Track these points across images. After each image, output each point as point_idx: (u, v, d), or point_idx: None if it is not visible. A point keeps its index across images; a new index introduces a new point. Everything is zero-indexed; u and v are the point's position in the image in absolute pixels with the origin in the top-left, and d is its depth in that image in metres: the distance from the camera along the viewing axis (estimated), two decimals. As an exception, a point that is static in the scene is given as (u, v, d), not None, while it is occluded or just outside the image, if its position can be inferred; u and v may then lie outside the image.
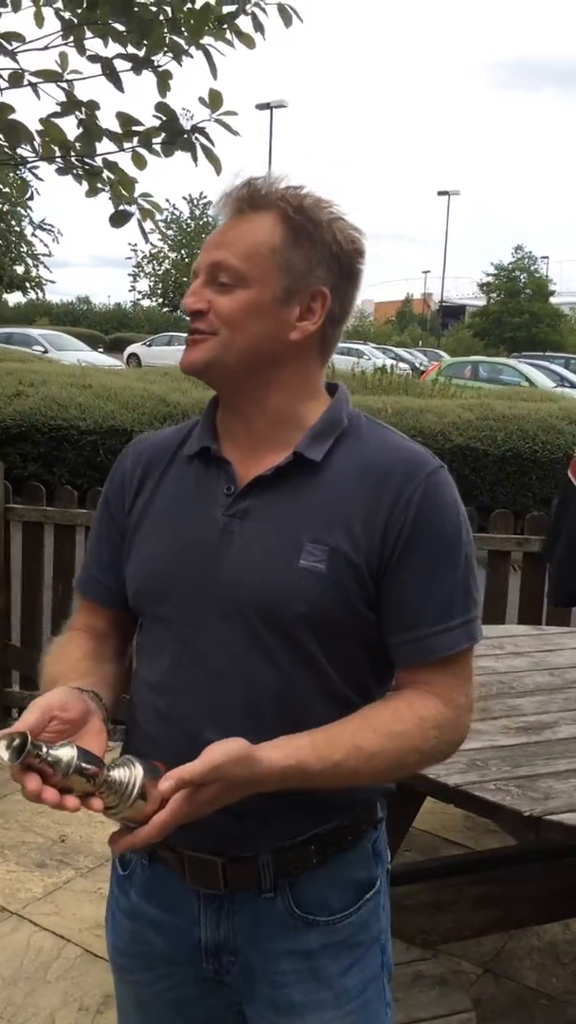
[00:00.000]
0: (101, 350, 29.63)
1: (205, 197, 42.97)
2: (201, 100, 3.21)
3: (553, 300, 44.84)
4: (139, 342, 33.83)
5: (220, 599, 1.13)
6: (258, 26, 3.52)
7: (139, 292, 48.13)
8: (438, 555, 1.13)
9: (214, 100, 3.18)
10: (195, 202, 42.94)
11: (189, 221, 42.95)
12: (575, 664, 2.70)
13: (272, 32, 3.61)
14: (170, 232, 44.24)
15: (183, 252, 44.42)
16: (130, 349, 32.38)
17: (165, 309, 47.43)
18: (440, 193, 46.86)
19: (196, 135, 3.27)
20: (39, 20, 3.38)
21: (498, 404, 9.46)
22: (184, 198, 41.47)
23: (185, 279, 44.13)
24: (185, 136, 3.26)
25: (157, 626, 1.20)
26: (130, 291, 60.14)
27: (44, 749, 0.96)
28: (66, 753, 0.96)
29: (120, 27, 3.27)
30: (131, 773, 1.00)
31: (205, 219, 43.71)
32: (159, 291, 46.16)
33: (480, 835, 3.29)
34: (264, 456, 1.17)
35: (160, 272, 45.63)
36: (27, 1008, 2.39)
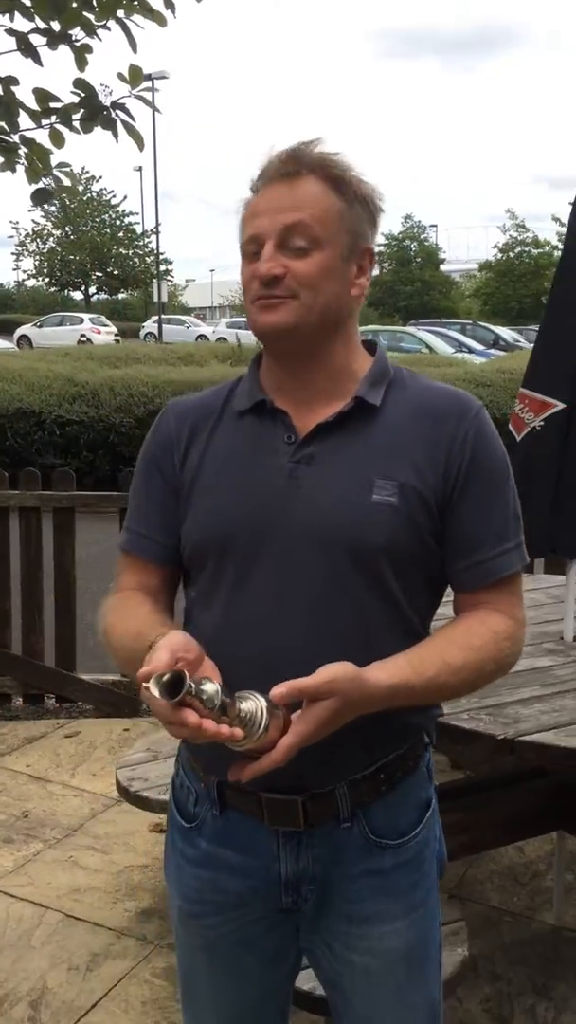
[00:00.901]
0: (-10, 332, 28.75)
1: (88, 172, 42.03)
2: (120, 76, 3.19)
3: (443, 268, 45.70)
4: (28, 323, 33.01)
5: (297, 538, 1.19)
6: (168, 3, 3.52)
7: (24, 272, 46.83)
8: (492, 487, 1.23)
9: (134, 76, 3.17)
10: (79, 177, 41.91)
11: (73, 197, 41.87)
12: (529, 605, 2.86)
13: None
14: (53, 209, 43.05)
15: (67, 229, 43.37)
16: (20, 331, 31.55)
17: (53, 288, 46.30)
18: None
19: (117, 111, 3.26)
20: None
21: (405, 370, 9.67)
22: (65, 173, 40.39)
23: (73, 257, 43.14)
24: (105, 112, 3.25)
25: (229, 571, 1.23)
26: (14, 270, 58.49)
27: (195, 685, 0.99)
28: (211, 687, 1.00)
29: (27, 2, 3.23)
30: (257, 705, 1.04)
31: (89, 195, 42.76)
32: (45, 270, 44.99)
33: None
34: (320, 406, 1.23)
35: (45, 250, 44.45)
36: (17, 973, 2.43)
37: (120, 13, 3.29)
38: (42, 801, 3.33)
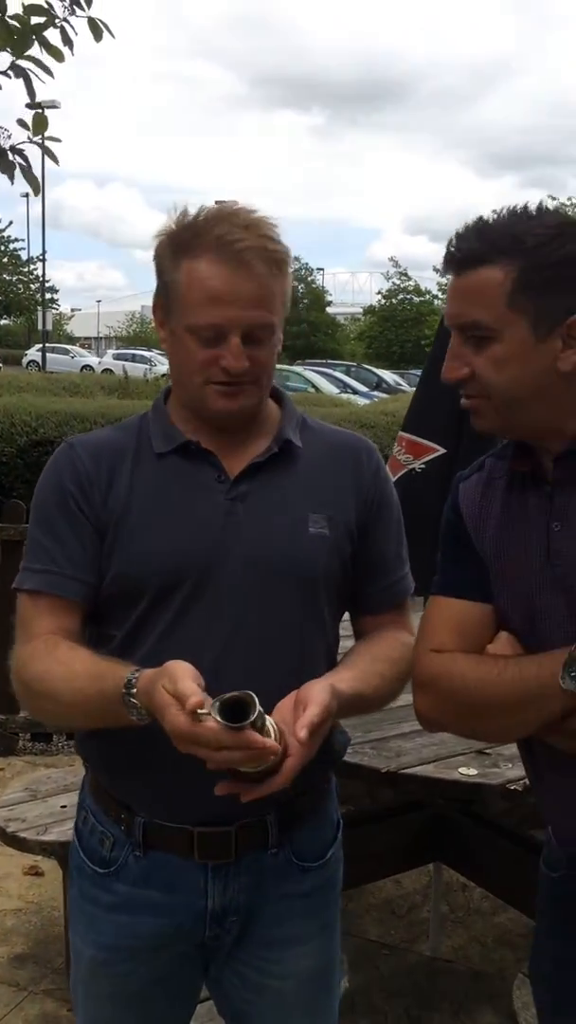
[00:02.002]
0: None
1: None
2: (21, 122, 3.18)
3: (329, 310, 46.78)
4: None
5: (241, 572, 1.24)
6: (66, 40, 3.55)
7: None
8: (395, 516, 1.38)
9: (38, 125, 3.16)
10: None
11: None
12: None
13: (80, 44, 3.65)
14: None
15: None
16: None
17: None
18: (218, 202, 47.56)
19: (15, 155, 3.24)
20: None
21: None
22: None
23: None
24: (4, 156, 3.22)
25: (167, 607, 1.24)
26: None
27: (260, 711, 1.02)
28: (260, 708, 1.03)
29: None
30: (273, 725, 1.08)
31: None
32: None
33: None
34: (242, 447, 1.29)
35: None
36: None
37: (23, 63, 3.30)
38: None
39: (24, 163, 3.24)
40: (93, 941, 1.32)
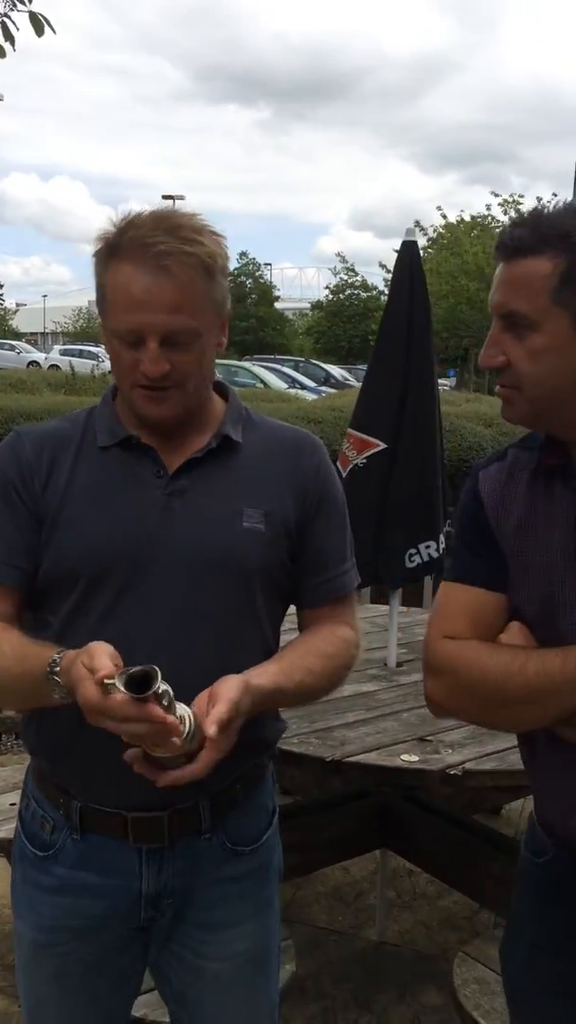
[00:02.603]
0: None
1: None
2: None
3: (277, 305, 46.74)
4: None
5: (174, 565, 1.27)
6: (8, 36, 3.53)
7: None
8: (337, 512, 1.40)
9: None
10: None
11: None
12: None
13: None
14: None
15: None
16: None
17: None
18: (165, 197, 47.26)
19: None
20: None
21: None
22: None
23: None
24: None
25: (100, 596, 1.27)
26: None
27: (162, 685, 1.04)
28: (167, 685, 1.06)
29: None
30: (186, 710, 1.10)
31: None
32: None
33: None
34: (182, 443, 1.32)
35: None
36: None
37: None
38: None
39: None
40: (34, 923, 1.36)
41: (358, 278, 40.78)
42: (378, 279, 38.55)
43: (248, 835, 1.39)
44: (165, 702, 1.06)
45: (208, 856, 1.35)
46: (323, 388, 20.21)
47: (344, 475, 2.70)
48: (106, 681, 1.05)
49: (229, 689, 1.15)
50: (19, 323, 54.49)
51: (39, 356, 32.75)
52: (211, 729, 1.10)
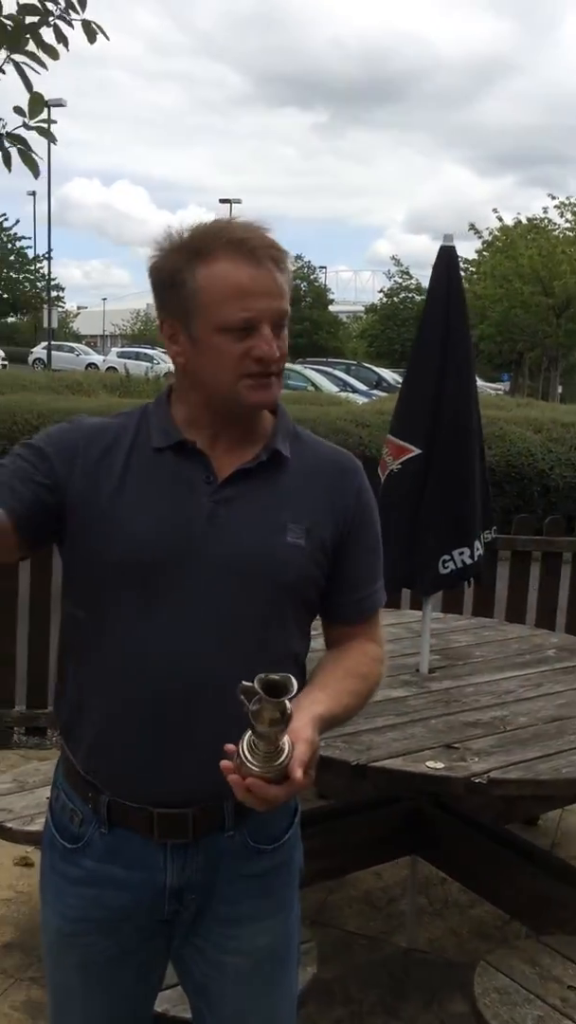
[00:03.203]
0: None
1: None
2: (17, 109, 3.25)
3: (331, 308, 46.76)
4: None
5: (214, 572, 1.29)
6: (60, 37, 3.61)
7: None
8: (372, 533, 1.43)
9: (34, 107, 3.22)
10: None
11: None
12: (390, 639, 3.01)
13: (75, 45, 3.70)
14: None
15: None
16: None
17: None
18: (223, 201, 47.60)
19: (13, 142, 3.30)
20: None
21: (290, 408, 9.79)
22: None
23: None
24: (1, 142, 3.29)
25: (136, 596, 1.30)
26: None
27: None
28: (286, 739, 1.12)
29: None
30: (287, 741, 1.13)
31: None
32: None
33: (297, 806, 3.55)
34: (233, 452, 1.34)
35: None
36: None
37: (17, 57, 3.36)
38: None
39: (24, 147, 3.30)
40: (60, 913, 1.40)
41: (412, 281, 40.57)
42: (434, 282, 38.11)
43: (270, 834, 1.41)
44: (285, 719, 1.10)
45: (231, 853, 1.38)
46: (374, 392, 20.19)
47: (381, 480, 2.71)
48: (244, 683, 1.09)
49: (304, 728, 1.18)
50: (80, 325, 55.34)
51: (97, 358, 33.29)
52: (297, 773, 1.13)
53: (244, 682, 1.09)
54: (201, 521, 1.30)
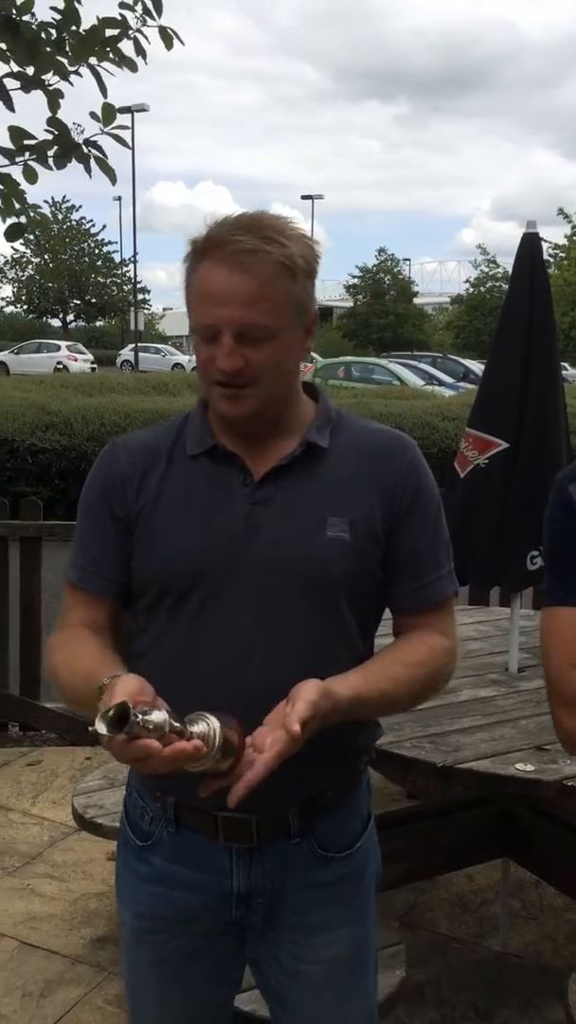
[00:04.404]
0: (-34, 359, 28.78)
1: (68, 201, 42.35)
2: (93, 115, 3.31)
3: (416, 301, 46.28)
4: (5, 350, 33.05)
5: (259, 574, 1.27)
6: (139, 50, 3.64)
7: (2, 299, 46.91)
8: (430, 516, 1.35)
9: (107, 114, 3.29)
10: (58, 206, 42.17)
11: (53, 226, 42.11)
12: (467, 637, 2.97)
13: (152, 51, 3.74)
14: (32, 237, 43.23)
15: (46, 257, 43.56)
16: (-3, 357, 31.60)
17: (31, 315, 46.39)
18: (304, 197, 47.63)
19: (90, 148, 3.37)
20: None
21: (375, 403, 9.85)
22: (46, 201, 40.48)
23: (51, 284, 43.34)
24: (79, 148, 3.36)
25: (189, 605, 1.29)
26: (-8, 297, 58.39)
27: (140, 716, 1.03)
28: (159, 715, 1.05)
29: (3, 45, 3.34)
30: (210, 727, 1.09)
31: (69, 223, 43.03)
32: (24, 297, 45.09)
33: (385, 804, 3.51)
34: (268, 449, 1.31)
35: (24, 278, 44.59)
36: (-30, 1001, 2.46)
37: (93, 60, 3.42)
38: (2, 829, 3.36)
39: (100, 155, 3.36)
40: (133, 910, 1.41)
41: (500, 270, 39.82)
42: (521, 270, 37.35)
43: (340, 842, 1.38)
44: (160, 732, 1.03)
45: (298, 860, 1.35)
46: (461, 384, 19.89)
47: (462, 476, 2.66)
48: (89, 728, 1.03)
49: (308, 691, 1.15)
50: (165, 327, 56.13)
51: (183, 358, 33.71)
52: (294, 727, 1.10)
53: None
54: (240, 526, 1.28)
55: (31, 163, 3.48)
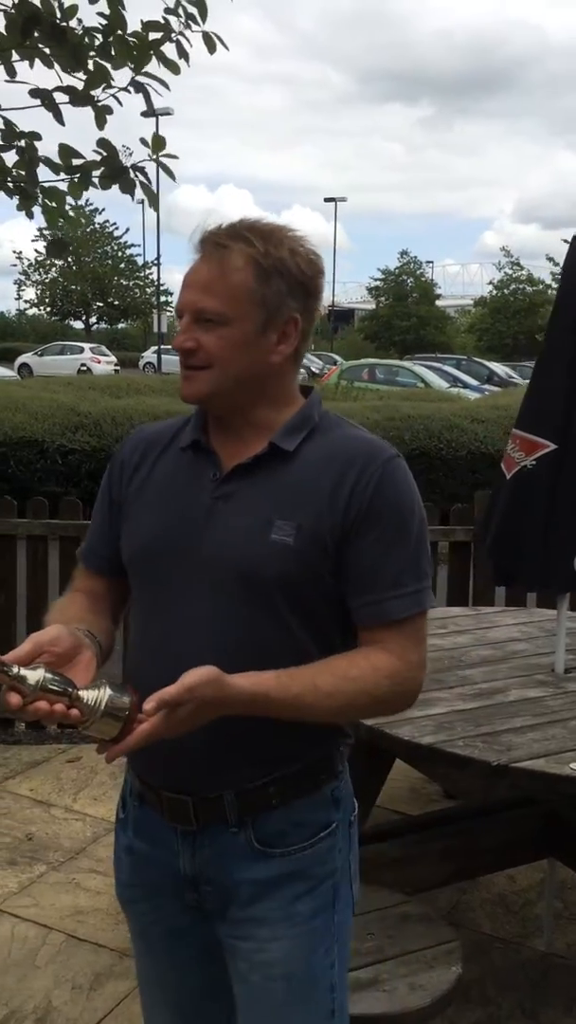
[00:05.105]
0: (-9, 361, 28.98)
1: (91, 204, 42.59)
2: (143, 141, 3.34)
3: (439, 303, 46.19)
4: (29, 352, 33.27)
5: (203, 568, 1.30)
6: (182, 53, 3.68)
7: (26, 301, 47.18)
8: (391, 531, 1.29)
9: (156, 144, 3.32)
10: (82, 209, 42.40)
11: (77, 229, 42.34)
12: (511, 638, 2.98)
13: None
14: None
15: (69, 260, 43.80)
16: (21, 359, 31.79)
17: (54, 318, 46.68)
18: (327, 200, 47.67)
19: (136, 173, 3.40)
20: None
21: (403, 405, 9.83)
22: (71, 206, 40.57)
23: (74, 287, 43.62)
24: (126, 173, 3.39)
25: (147, 589, 1.38)
26: (16, 300, 58.85)
27: (15, 669, 1.10)
28: (35, 674, 1.11)
29: (47, 51, 3.38)
30: (99, 693, 1.14)
31: (92, 227, 43.26)
32: (47, 300, 45.38)
33: (424, 804, 3.53)
34: (243, 449, 1.34)
35: (47, 280, 44.87)
36: (22, 992, 2.49)
37: (134, 65, 3.46)
38: (45, 824, 3.40)
39: (145, 181, 3.40)
40: (117, 878, 1.49)
41: (523, 272, 39.69)
42: (545, 272, 37.36)
43: (283, 839, 1.34)
44: (31, 688, 1.10)
45: (237, 851, 1.34)
46: (486, 387, 19.82)
47: (508, 477, 2.67)
48: None
49: (190, 675, 1.15)
50: (186, 329, 56.25)
51: (205, 361, 33.71)
52: (148, 704, 1.13)
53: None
54: (199, 518, 1.32)
55: (76, 180, 3.53)
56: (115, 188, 3.48)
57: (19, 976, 2.56)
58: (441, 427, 8.82)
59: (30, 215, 3.60)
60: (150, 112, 4.01)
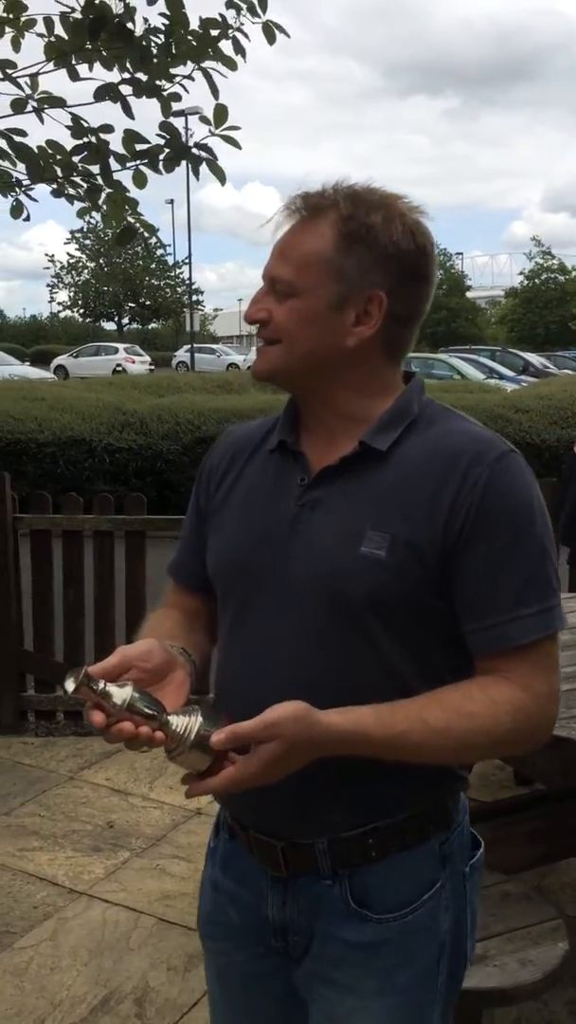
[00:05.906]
0: (28, 363, 29.28)
1: (122, 205, 42.81)
2: (203, 119, 3.39)
3: (469, 295, 45.93)
4: (63, 354, 33.56)
5: (285, 585, 1.15)
6: (239, 49, 3.72)
7: (59, 304, 47.60)
8: (506, 541, 1.09)
9: (219, 116, 3.36)
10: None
11: (107, 230, 42.66)
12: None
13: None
14: (88, 242, 43.85)
15: (102, 261, 44.12)
16: (57, 361, 32.09)
17: (87, 319, 47.05)
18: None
19: (201, 151, 3.45)
20: (16, 45, 3.51)
21: (445, 397, 9.82)
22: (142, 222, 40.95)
23: (107, 288, 43.93)
24: (190, 152, 3.44)
25: (229, 607, 1.24)
26: (49, 302, 59.45)
27: (101, 685, 1.00)
28: (121, 692, 1.01)
29: (111, 51, 3.44)
30: (190, 721, 1.03)
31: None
32: (79, 301, 45.75)
33: (495, 791, 3.55)
34: (333, 449, 1.18)
35: (80, 282, 45.24)
36: (120, 973, 2.55)
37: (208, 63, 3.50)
38: (125, 812, 3.46)
39: (211, 156, 3.44)
40: (201, 909, 1.36)
41: (555, 261, 39.33)
42: (577, 261, 36.91)
43: (382, 900, 1.18)
44: (114, 706, 1.00)
45: (329, 905, 1.19)
46: (522, 377, 19.70)
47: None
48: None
49: (273, 710, 1.02)
50: (217, 327, 56.49)
51: (238, 358, 33.91)
52: (216, 737, 1.01)
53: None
54: (284, 529, 1.17)
55: (142, 167, 3.58)
56: (144, 187, 3.52)
57: (115, 958, 2.62)
58: (486, 418, 8.79)
59: (97, 210, 3.67)
60: (179, 112, 3.99)
